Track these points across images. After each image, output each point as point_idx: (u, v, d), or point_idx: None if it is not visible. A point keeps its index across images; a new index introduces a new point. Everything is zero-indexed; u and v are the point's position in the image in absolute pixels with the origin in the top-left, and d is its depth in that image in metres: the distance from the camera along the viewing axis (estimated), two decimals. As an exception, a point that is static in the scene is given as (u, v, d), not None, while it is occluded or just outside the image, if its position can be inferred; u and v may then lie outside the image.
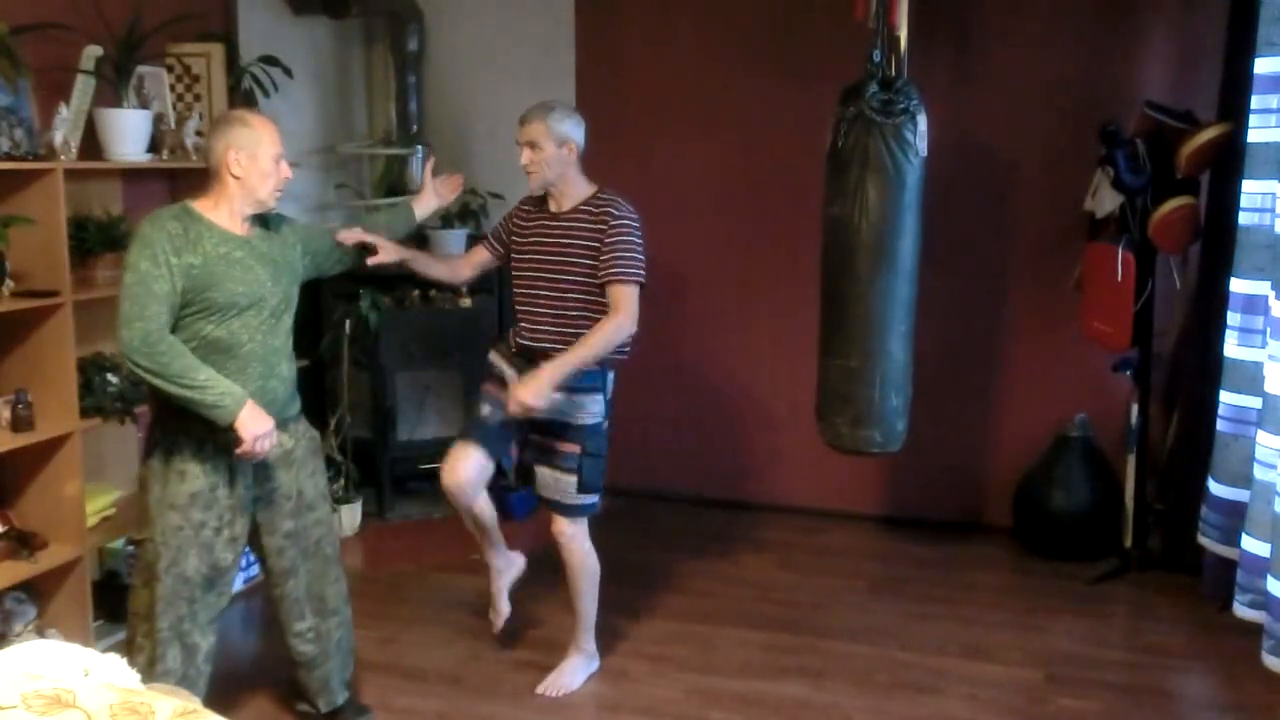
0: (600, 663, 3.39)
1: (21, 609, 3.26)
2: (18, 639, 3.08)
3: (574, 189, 3.11)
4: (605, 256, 3.01)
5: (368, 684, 3.28)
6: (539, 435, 3.16)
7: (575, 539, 3.23)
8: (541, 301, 3.12)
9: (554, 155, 3.05)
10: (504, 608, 3.44)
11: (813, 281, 3.87)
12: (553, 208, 3.15)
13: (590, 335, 2.98)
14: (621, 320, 2.99)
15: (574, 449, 3.11)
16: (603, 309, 3.03)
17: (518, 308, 3.23)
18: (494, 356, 3.26)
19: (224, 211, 2.64)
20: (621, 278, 3.00)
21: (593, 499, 3.19)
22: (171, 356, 2.46)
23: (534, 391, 2.94)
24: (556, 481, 3.16)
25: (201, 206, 2.63)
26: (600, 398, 3.11)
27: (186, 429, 2.59)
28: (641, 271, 3.03)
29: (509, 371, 3.17)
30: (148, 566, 2.65)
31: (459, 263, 3.45)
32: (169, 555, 2.62)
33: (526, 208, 3.27)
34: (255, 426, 2.52)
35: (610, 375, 3.15)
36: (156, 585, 2.63)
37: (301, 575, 2.85)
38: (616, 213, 3.05)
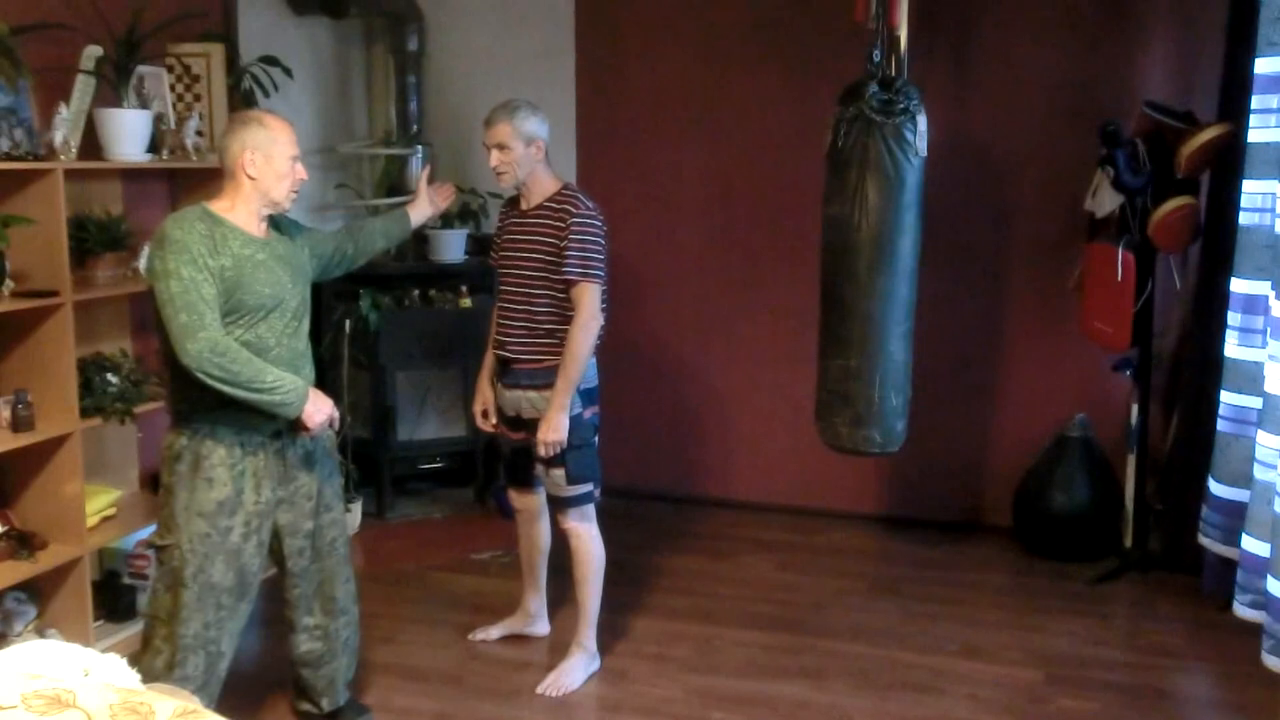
0: (601, 663, 3.39)
1: (21, 609, 3.26)
2: (18, 639, 3.09)
3: (541, 185, 3.16)
4: (566, 255, 3.05)
5: (368, 684, 3.28)
6: (533, 437, 3.19)
7: (578, 531, 3.27)
8: (515, 303, 3.17)
9: (523, 155, 3.10)
10: (495, 635, 3.60)
11: (812, 281, 3.87)
12: (523, 205, 3.21)
13: (565, 356, 3.06)
14: (584, 321, 3.05)
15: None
16: (560, 314, 3.09)
17: (496, 316, 3.27)
18: (497, 390, 3.30)
19: (241, 213, 2.62)
20: (582, 277, 3.05)
21: (585, 489, 3.23)
22: (241, 363, 2.47)
23: (552, 429, 3.07)
24: (549, 477, 3.21)
25: (218, 208, 2.61)
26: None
27: (213, 434, 2.59)
28: (600, 270, 3.08)
29: (506, 396, 3.23)
30: (172, 573, 2.63)
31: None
32: (195, 562, 2.61)
33: (505, 209, 3.33)
34: (320, 415, 2.60)
35: (589, 363, 3.17)
36: (182, 591, 2.61)
37: (313, 574, 2.86)
38: (575, 210, 3.08)
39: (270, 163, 2.61)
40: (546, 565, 3.58)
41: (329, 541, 2.87)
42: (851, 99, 3.55)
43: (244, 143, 2.59)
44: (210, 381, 2.45)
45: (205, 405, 2.55)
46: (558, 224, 3.08)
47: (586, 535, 3.28)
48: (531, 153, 3.10)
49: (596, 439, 3.27)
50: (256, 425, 2.61)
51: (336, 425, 2.72)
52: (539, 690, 3.25)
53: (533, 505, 3.46)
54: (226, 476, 2.60)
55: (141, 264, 3.19)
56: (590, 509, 3.28)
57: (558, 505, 3.27)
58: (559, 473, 3.18)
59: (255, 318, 2.58)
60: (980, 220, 4.43)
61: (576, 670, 3.31)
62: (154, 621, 2.68)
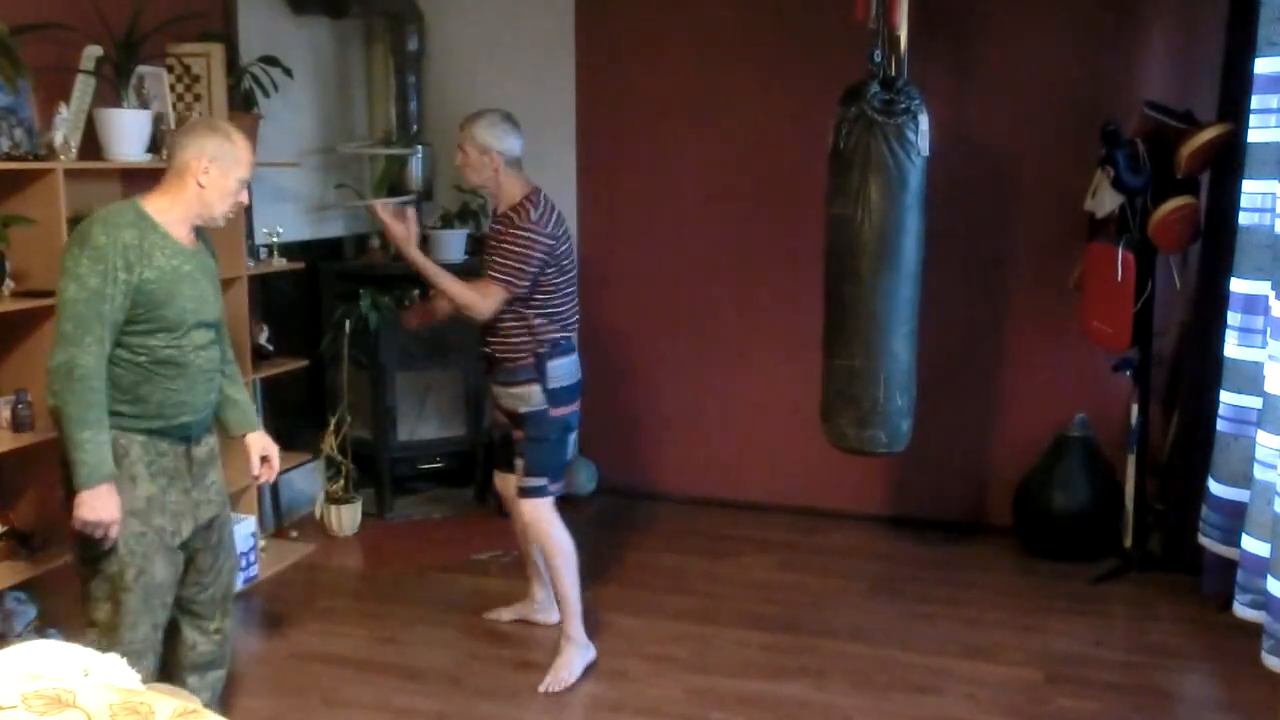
0: (597, 655, 3.40)
1: (22, 609, 3.26)
2: (18, 639, 3.08)
3: (505, 193, 3.28)
4: (489, 252, 3.22)
5: (368, 684, 3.28)
6: (513, 426, 3.35)
7: (535, 521, 3.36)
8: None
9: (476, 162, 3.23)
10: (506, 618, 3.72)
11: (812, 281, 3.87)
12: (495, 210, 3.36)
13: (458, 281, 3.20)
14: (473, 299, 3.17)
15: (520, 435, 3.30)
16: (519, 316, 3.22)
17: None
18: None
19: (176, 216, 2.53)
20: (489, 274, 3.18)
21: (539, 482, 3.32)
22: (77, 402, 2.37)
23: (417, 263, 3.21)
24: (515, 466, 3.33)
25: (153, 208, 2.51)
26: (537, 389, 3.24)
27: (124, 436, 2.50)
28: (509, 276, 3.16)
29: (492, 390, 3.40)
30: (111, 580, 2.51)
31: None
32: (136, 564, 2.51)
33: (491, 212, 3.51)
34: (95, 512, 2.42)
35: (550, 365, 3.26)
36: (126, 596, 2.51)
37: (218, 573, 2.76)
38: (516, 220, 3.20)
39: (225, 178, 2.54)
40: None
41: (228, 535, 2.79)
42: (853, 99, 3.55)
43: (204, 150, 2.51)
44: (48, 394, 2.40)
45: (118, 406, 2.47)
46: (502, 229, 3.23)
47: (542, 529, 3.35)
48: (485, 162, 3.23)
49: (571, 438, 3.37)
50: (165, 430, 2.54)
51: (105, 539, 2.47)
52: (540, 689, 3.26)
53: (509, 489, 3.50)
54: (147, 473, 2.52)
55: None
56: (545, 503, 3.34)
57: (517, 492, 3.36)
58: (520, 462, 3.30)
59: (177, 331, 2.50)
60: (979, 220, 4.43)
61: (573, 663, 3.33)
62: (97, 632, 2.54)
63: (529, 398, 3.25)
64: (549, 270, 3.22)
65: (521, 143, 3.28)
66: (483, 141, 3.21)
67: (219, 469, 2.75)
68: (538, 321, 3.23)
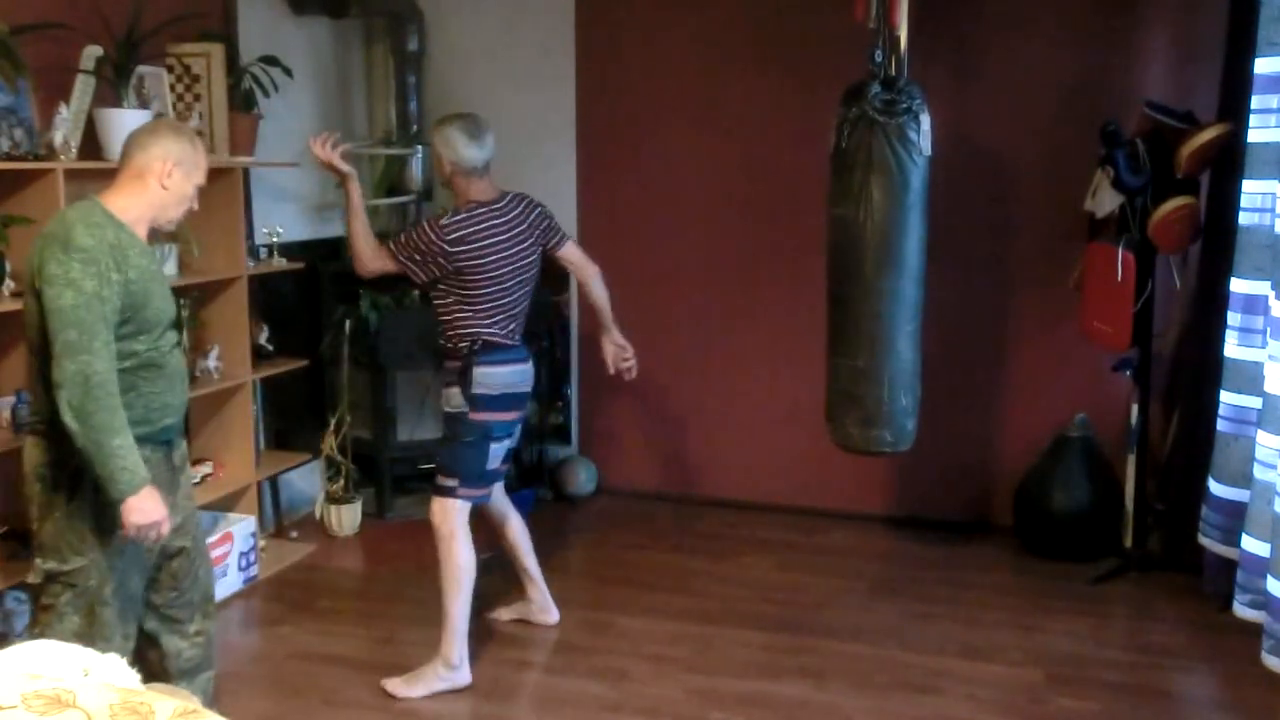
0: (469, 685, 3.27)
1: (21, 609, 3.26)
2: (18, 639, 3.08)
3: (460, 198, 3.31)
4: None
5: (368, 684, 3.27)
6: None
7: (437, 524, 3.31)
8: None
9: (440, 163, 3.30)
10: (505, 617, 3.72)
11: (813, 281, 3.87)
12: None
13: (367, 233, 3.29)
14: (364, 252, 3.28)
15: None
16: (450, 312, 3.26)
17: None
18: None
19: (135, 216, 2.49)
20: (393, 238, 3.32)
21: (449, 482, 3.30)
22: (103, 407, 2.30)
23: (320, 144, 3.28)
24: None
25: (117, 208, 2.45)
26: (457, 390, 3.26)
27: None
28: (396, 247, 3.26)
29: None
30: (88, 593, 2.47)
31: None
32: (116, 578, 2.48)
33: None
34: (147, 514, 2.37)
35: (478, 371, 3.25)
36: (103, 610, 2.48)
37: (201, 576, 2.73)
38: (432, 218, 3.26)
39: (186, 182, 2.52)
40: (532, 556, 3.64)
41: (201, 538, 2.77)
42: (854, 99, 3.54)
43: (169, 152, 2.48)
44: (65, 410, 2.29)
45: None
46: None
47: (443, 535, 3.28)
48: (445, 167, 3.27)
49: (493, 447, 3.29)
50: (150, 435, 2.50)
51: (159, 538, 2.45)
52: (382, 683, 3.24)
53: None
54: None
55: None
56: (452, 506, 3.28)
57: (432, 489, 3.36)
58: (437, 459, 3.36)
59: (154, 331, 2.48)
60: (979, 220, 4.43)
61: (425, 678, 3.25)
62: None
63: (450, 398, 3.29)
64: (450, 276, 3.21)
65: (480, 153, 3.23)
66: (436, 148, 3.27)
67: (186, 475, 2.72)
68: (452, 322, 3.26)
